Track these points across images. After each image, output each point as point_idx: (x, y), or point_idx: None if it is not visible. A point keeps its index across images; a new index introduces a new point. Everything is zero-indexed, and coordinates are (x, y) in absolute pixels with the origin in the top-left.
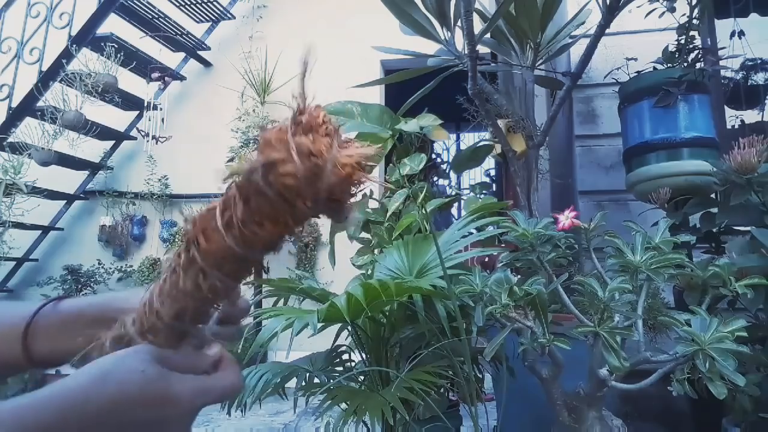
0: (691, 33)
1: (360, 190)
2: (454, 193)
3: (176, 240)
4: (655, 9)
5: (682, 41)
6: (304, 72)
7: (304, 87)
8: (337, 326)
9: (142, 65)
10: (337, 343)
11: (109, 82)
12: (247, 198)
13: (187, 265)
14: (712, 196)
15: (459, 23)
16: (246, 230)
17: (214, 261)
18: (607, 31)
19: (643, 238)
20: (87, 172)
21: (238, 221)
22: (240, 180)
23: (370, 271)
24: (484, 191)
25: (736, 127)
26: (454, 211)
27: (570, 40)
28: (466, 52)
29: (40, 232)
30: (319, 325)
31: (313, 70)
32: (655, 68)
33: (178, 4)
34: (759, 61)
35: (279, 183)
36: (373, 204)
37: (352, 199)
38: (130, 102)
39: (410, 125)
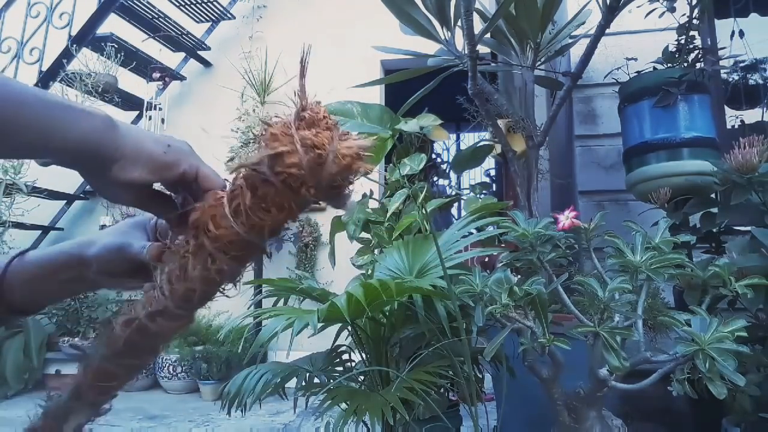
0: (691, 33)
1: (358, 178)
2: (454, 193)
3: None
4: (655, 9)
5: (682, 41)
6: (303, 70)
7: (304, 85)
8: (337, 326)
9: (142, 65)
10: (337, 343)
11: (109, 82)
12: (255, 187)
13: (196, 250)
14: (713, 196)
15: (459, 23)
16: (253, 216)
17: (221, 246)
18: (607, 31)
19: (643, 238)
20: None
21: (246, 209)
22: (247, 171)
23: (370, 271)
24: (484, 191)
25: (736, 127)
26: (454, 211)
27: (570, 40)
28: (466, 52)
29: (40, 232)
30: (319, 325)
31: (311, 69)
32: (655, 68)
33: (178, 4)
34: (755, 61)
35: (285, 173)
36: (373, 204)
37: (351, 187)
38: (130, 102)
39: (410, 125)
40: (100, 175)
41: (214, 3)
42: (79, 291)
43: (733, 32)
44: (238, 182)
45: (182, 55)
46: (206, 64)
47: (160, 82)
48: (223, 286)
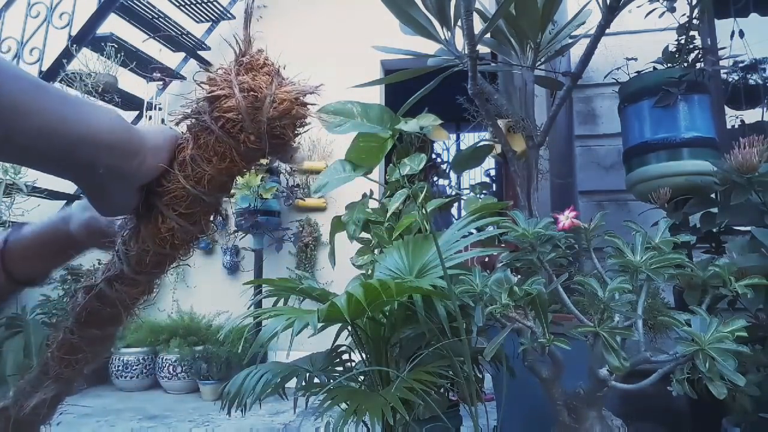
0: (691, 33)
1: (303, 129)
2: (454, 193)
3: None
4: (655, 9)
5: (682, 41)
6: (248, 20)
7: (249, 33)
8: (337, 326)
9: (142, 65)
10: (337, 343)
11: (109, 82)
12: (197, 137)
13: (146, 210)
14: (713, 196)
15: (459, 23)
16: (196, 167)
17: (169, 201)
18: (607, 31)
19: (643, 238)
20: None
21: (189, 159)
22: (191, 121)
23: (370, 271)
24: (484, 191)
25: (736, 127)
26: (454, 211)
27: (570, 41)
28: (466, 52)
29: None
30: (320, 325)
31: (311, 69)
32: (655, 68)
33: (178, 4)
34: (755, 61)
35: (223, 117)
36: (373, 204)
37: (296, 139)
38: (130, 102)
39: (410, 125)
40: (121, 176)
41: (214, 3)
42: (71, 257)
43: (733, 32)
44: (185, 135)
45: (182, 55)
46: (206, 64)
47: (160, 82)
48: (178, 251)
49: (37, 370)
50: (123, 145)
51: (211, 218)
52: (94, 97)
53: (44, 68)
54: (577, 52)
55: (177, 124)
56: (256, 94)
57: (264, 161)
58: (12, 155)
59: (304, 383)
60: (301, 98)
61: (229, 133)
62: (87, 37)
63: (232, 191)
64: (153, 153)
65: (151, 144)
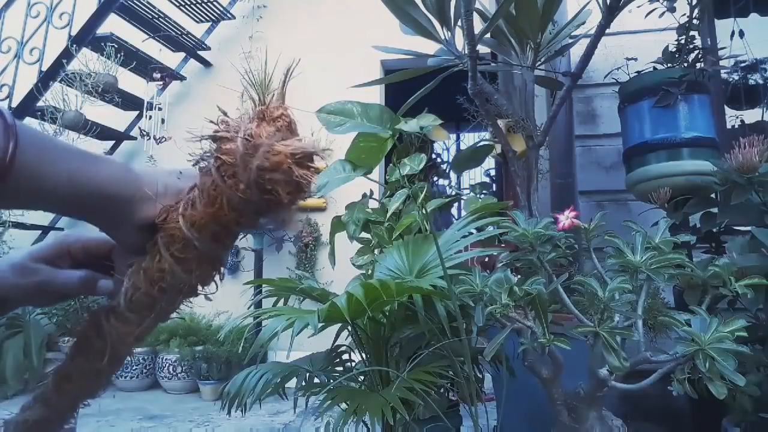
0: (691, 33)
1: (303, 195)
2: (454, 193)
3: None
4: (655, 9)
5: (682, 41)
6: (286, 80)
7: (284, 93)
8: (337, 326)
9: (142, 65)
10: (337, 343)
11: (109, 82)
12: (201, 177)
13: (152, 246)
14: (713, 196)
15: (459, 23)
16: (193, 209)
17: (166, 240)
18: (607, 31)
19: (643, 238)
20: None
21: (189, 199)
22: (201, 162)
23: (370, 271)
24: (484, 191)
25: (736, 127)
26: (454, 211)
27: (570, 41)
28: (466, 52)
29: (40, 232)
30: (320, 325)
31: (310, 69)
32: (655, 68)
33: (178, 4)
34: (755, 61)
35: (220, 159)
36: (373, 204)
37: (292, 202)
38: (130, 102)
39: (410, 125)
40: (122, 219)
41: (214, 3)
42: (44, 303)
43: (733, 32)
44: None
45: (182, 55)
46: (206, 64)
47: (160, 82)
48: (165, 296)
49: (34, 396)
50: (116, 194)
51: (210, 273)
52: (94, 97)
53: (44, 68)
54: (577, 52)
55: (194, 165)
56: (252, 140)
57: (258, 220)
58: (19, 204)
59: (304, 383)
60: (299, 156)
61: (222, 176)
62: (87, 37)
63: None
64: (152, 196)
65: (150, 186)
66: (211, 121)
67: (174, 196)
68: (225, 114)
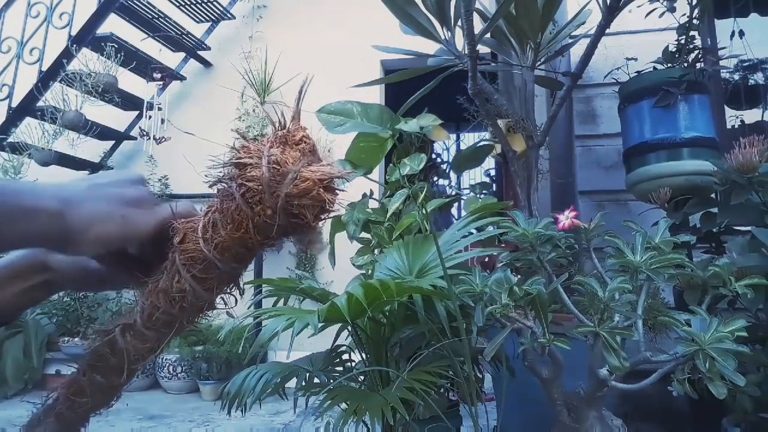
0: (691, 33)
1: (327, 215)
2: (454, 193)
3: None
4: (655, 9)
5: (682, 41)
6: (300, 98)
7: (300, 111)
8: (337, 326)
9: (142, 65)
10: (337, 343)
11: (109, 82)
12: (222, 201)
13: (170, 265)
14: (713, 196)
15: (459, 23)
16: (215, 232)
17: (185, 261)
18: (607, 31)
19: (643, 238)
20: (87, 173)
21: (210, 223)
22: (220, 185)
23: (370, 271)
24: (484, 191)
25: (736, 127)
26: (454, 211)
27: (570, 41)
28: (466, 52)
29: None
30: (320, 325)
31: (311, 69)
32: (655, 68)
33: (178, 4)
34: (755, 61)
35: (245, 185)
36: (373, 204)
37: (318, 223)
38: (130, 102)
39: (410, 125)
40: (77, 253)
41: (214, 3)
42: (42, 298)
43: (733, 32)
44: (216, 198)
45: (182, 55)
46: (206, 64)
47: (160, 82)
48: (186, 315)
49: (43, 407)
50: (43, 244)
51: (228, 289)
52: (94, 97)
53: (44, 68)
54: (577, 52)
55: (211, 186)
56: (280, 167)
57: (284, 241)
58: None
59: (304, 383)
60: (327, 181)
61: (248, 202)
62: (87, 37)
63: None
64: (82, 244)
65: (79, 237)
66: (233, 147)
67: (99, 246)
68: (245, 138)
